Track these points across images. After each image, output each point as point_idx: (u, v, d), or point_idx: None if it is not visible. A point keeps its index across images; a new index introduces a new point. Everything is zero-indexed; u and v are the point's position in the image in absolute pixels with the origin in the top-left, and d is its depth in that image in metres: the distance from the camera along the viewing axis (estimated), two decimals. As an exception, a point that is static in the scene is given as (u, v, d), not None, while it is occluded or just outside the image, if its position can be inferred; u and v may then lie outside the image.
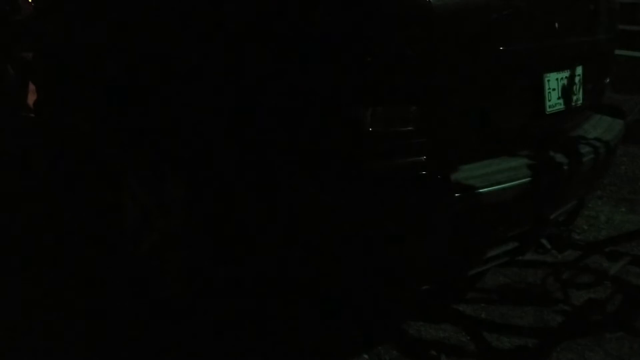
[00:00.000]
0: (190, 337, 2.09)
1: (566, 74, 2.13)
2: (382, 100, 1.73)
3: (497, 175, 1.86)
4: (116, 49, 2.35)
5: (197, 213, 2.03)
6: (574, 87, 2.16)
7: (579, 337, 2.24)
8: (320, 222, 1.83)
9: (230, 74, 1.92)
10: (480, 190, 1.78)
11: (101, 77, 2.42)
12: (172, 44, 2.10)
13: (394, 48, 1.73)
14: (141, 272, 2.27)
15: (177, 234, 2.11)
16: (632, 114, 3.99)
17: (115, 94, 2.33)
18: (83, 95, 2.56)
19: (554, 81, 2.08)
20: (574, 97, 2.18)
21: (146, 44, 2.21)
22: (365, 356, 2.10)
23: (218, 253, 2.03)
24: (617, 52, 2.62)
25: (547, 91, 2.05)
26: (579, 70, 2.19)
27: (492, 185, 1.82)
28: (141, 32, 2.24)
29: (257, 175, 1.89)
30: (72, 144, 2.63)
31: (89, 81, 2.50)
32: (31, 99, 2.75)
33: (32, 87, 2.75)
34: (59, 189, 2.77)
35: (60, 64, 2.68)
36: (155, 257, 2.21)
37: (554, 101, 2.08)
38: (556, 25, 2.03)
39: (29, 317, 2.17)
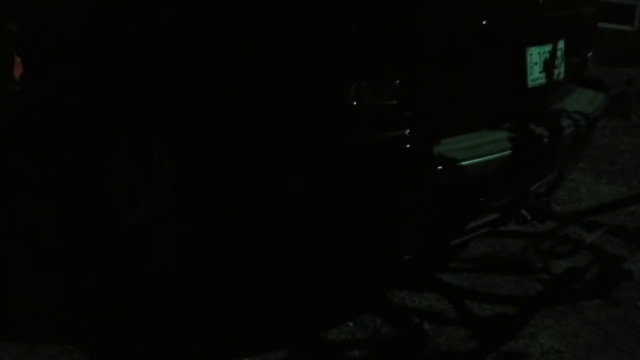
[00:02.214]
0: (180, 310, 2.13)
1: (548, 47, 2.14)
2: (365, 73, 1.74)
3: (479, 148, 1.89)
4: (103, 20, 2.33)
5: (187, 187, 2.05)
6: (556, 61, 2.18)
7: (557, 305, 2.29)
8: (305, 194, 1.85)
9: (214, 49, 1.92)
10: (463, 163, 1.81)
11: (88, 49, 2.40)
12: (157, 18, 2.09)
13: (376, 20, 1.73)
14: (130, 248, 2.28)
15: (166, 208, 2.13)
16: (616, 86, 4.02)
17: (102, 67, 2.32)
18: (69, 68, 2.54)
19: (536, 55, 2.09)
20: (556, 71, 2.19)
21: (134, 16, 2.19)
22: (350, 324, 2.15)
23: (207, 226, 2.05)
24: (602, 25, 2.63)
25: (529, 65, 2.07)
26: (561, 44, 2.20)
27: (474, 157, 1.84)
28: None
29: (244, 148, 1.90)
30: (57, 118, 2.61)
31: (76, 53, 2.48)
32: (17, 71, 2.72)
33: (17, 59, 2.72)
34: (43, 163, 2.75)
35: (46, 35, 2.64)
36: (144, 232, 2.22)
37: (535, 75, 2.10)
38: (539, -1, 2.04)
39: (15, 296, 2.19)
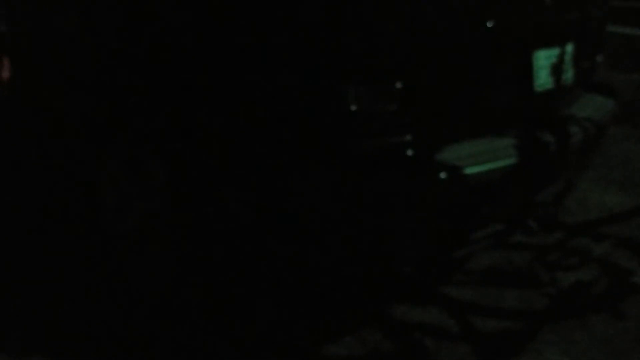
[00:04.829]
0: (172, 321, 2.07)
1: (556, 51, 2.08)
2: (364, 77, 1.69)
3: (484, 156, 1.83)
4: (95, 25, 2.29)
5: (180, 192, 2.00)
6: (564, 65, 2.12)
7: (563, 319, 2.23)
8: (303, 203, 1.80)
9: (210, 55, 1.88)
10: (467, 171, 1.75)
11: (79, 53, 2.36)
12: (148, 24, 2.04)
13: (377, 23, 1.68)
14: (121, 254, 2.22)
15: (157, 215, 2.08)
16: (627, 93, 3.95)
17: (91, 71, 2.28)
18: (58, 72, 2.50)
19: (543, 59, 2.03)
20: (564, 76, 2.13)
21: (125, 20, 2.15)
22: (349, 339, 2.08)
23: (199, 235, 2.00)
24: (612, 29, 2.56)
25: (535, 69, 2.01)
26: (569, 47, 2.14)
27: (478, 165, 1.79)
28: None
29: (240, 155, 1.86)
30: (47, 122, 2.58)
31: (66, 57, 2.44)
32: (5, 74, 2.69)
33: (6, 62, 2.69)
34: (33, 167, 2.71)
35: (35, 38, 2.62)
36: (135, 238, 2.17)
37: (543, 80, 2.04)
38: (546, 0, 1.98)
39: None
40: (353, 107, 1.68)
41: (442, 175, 1.72)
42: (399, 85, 1.70)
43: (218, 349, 1.99)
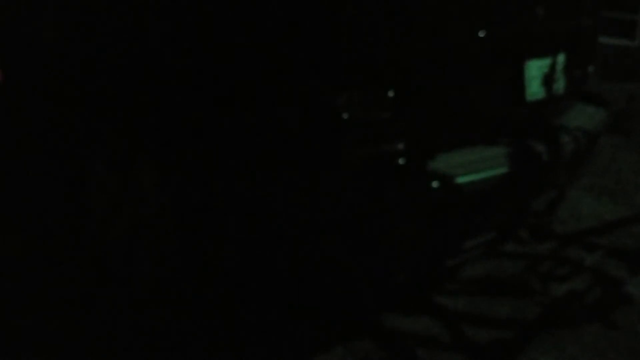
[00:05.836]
0: (161, 325, 2.05)
1: (548, 61, 2.09)
2: (356, 85, 1.68)
3: (475, 164, 1.83)
4: (80, 27, 2.27)
5: (170, 200, 1.98)
6: (556, 75, 2.13)
7: (556, 329, 2.22)
8: (295, 212, 1.79)
9: (202, 62, 1.87)
10: (459, 180, 1.75)
11: (67, 55, 2.35)
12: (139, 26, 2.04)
13: (369, 31, 1.68)
14: (109, 262, 2.21)
15: (147, 221, 2.06)
16: (618, 103, 3.97)
17: (80, 75, 2.27)
18: (47, 75, 2.48)
19: (535, 68, 2.04)
20: (556, 86, 2.14)
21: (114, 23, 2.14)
22: (340, 349, 2.06)
23: (189, 243, 1.98)
24: (604, 40, 2.58)
25: (528, 79, 2.01)
26: (561, 57, 2.15)
27: (470, 174, 1.79)
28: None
29: (231, 162, 1.85)
30: (36, 126, 2.56)
31: (54, 60, 2.42)
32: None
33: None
34: (22, 172, 2.69)
35: (23, 40, 2.60)
36: (124, 245, 2.15)
37: (534, 89, 2.05)
38: (538, 10, 1.99)
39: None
40: (345, 115, 1.68)
41: (434, 184, 1.72)
42: (391, 93, 1.70)
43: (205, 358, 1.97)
